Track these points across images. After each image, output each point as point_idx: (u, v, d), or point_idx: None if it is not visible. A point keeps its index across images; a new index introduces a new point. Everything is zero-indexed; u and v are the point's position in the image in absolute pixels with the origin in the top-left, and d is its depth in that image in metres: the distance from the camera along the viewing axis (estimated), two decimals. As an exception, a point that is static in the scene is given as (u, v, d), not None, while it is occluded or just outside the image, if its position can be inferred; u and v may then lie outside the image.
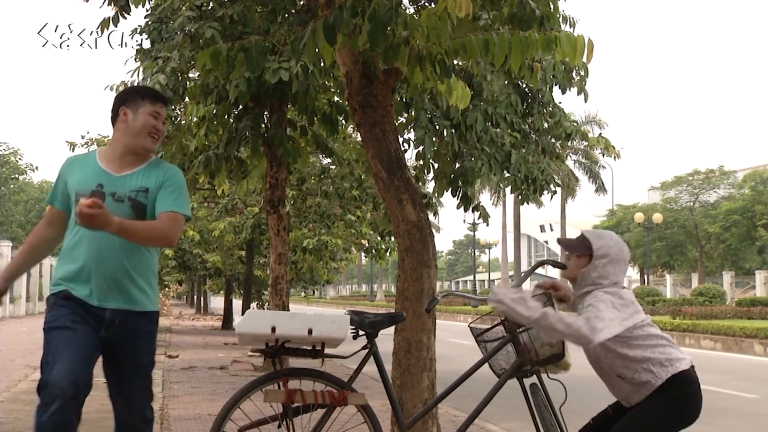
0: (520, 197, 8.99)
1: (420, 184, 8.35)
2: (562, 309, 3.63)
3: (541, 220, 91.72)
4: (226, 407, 3.65)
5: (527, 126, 8.55)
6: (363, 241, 17.35)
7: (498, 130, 7.83)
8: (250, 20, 7.32)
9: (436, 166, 7.94)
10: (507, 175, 8.21)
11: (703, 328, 19.66)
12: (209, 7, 7.55)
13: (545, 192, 8.71)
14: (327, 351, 3.76)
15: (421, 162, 7.96)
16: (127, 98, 3.47)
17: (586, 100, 8.08)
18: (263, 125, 9.55)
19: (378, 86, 5.21)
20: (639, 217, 39.69)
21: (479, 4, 4.88)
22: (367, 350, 3.88)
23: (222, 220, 17.61)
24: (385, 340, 4.27)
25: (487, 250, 69.01)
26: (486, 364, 3.99)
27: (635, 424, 3.34)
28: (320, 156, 13.84)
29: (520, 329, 3.91)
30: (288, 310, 9.80)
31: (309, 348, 3.75)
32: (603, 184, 44.71)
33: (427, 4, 5.53)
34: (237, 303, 28.13)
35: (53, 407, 3.02)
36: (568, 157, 41.70)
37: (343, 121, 9.72)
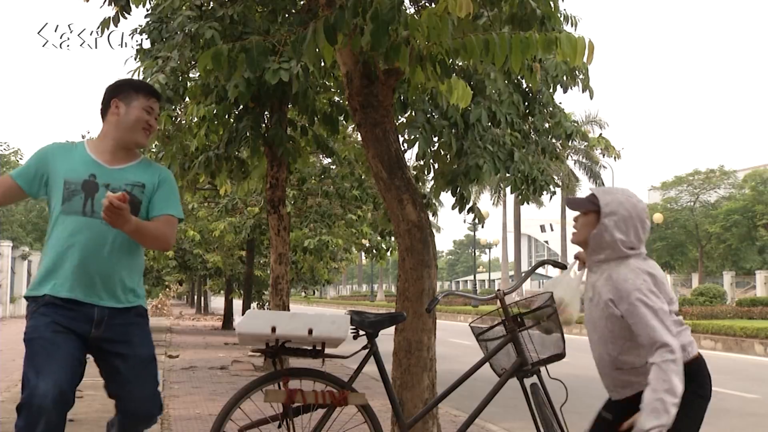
0: (520, 197, 8.97)
1: (420, 184, 8.34)
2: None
3: (542, 220, 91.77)
4: (227, 407, 3.64)
5: (527, 126, 8.54)
6: (364, 240, 17.35)
7: (499, 129, 7.82)
8: (251, 20, 7.31)
9: (436, 166, 7.93)
10: (507, 174, 8.20)
11: (703, 328, 19.66)
12: (209, 7, 7.55)
13: (545, 192, 8.70)
14: (327, 351, 3.76)
15: (422, 162, 7.96)
16: (120, 90, 3.37)
17: (591, 98, 8.02)
18: (263, 125, 9.54)
19: (378, 86, 5.21)
20: (639, 217, 39.58)
21: (479, 4, 4.88)
22: (367, 350, 3.88)
23: (222, 220, 17.61)
24: (386, 340, 4.27)
25: (487, 250, 68.97)
26: (486, 364, 3.99)
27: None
28: (321, 156, 13.84)
29: (521, 329, 3.91)
30: (288, 310, 9.80)
31: (309, 348, 3.75)
32: (603, 184, 44.69)
33: (427, 4, 5.52)
34: (237, 303, 28.12)
35: (39, 428, 2.88)
36: (569, 158, 41.72)
37: (344, 121, 9.72)
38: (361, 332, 3.84)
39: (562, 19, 6.66)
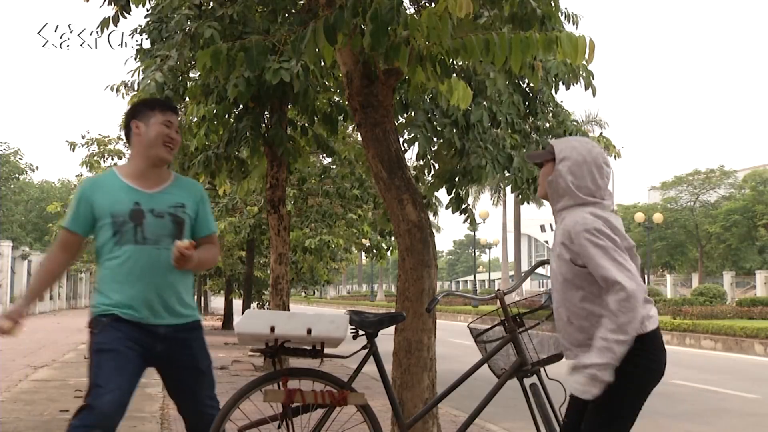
0: (520, 197, 8.95)
1: (420, 184, 8.32)
2: None
3: (541, 220, 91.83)
4: (226, 407, 3.64)
5: (528, 126, 8.53)
6: (364, 240, 17.35)
7: (499, 131, 7.82)
8: (250, 20, 7.31)
9: (437, 166, 7.92)
10: (507, 174, 8.20)
11: (703, 328, 19.66)
12: (209, 7, 7.55)
13: (545, 192, 8.66)
14: (327, 351, 3.75)
15: (422, 162, 7.95)
16: (137, 112, 3.51)
17: (594, 95, 7.99)
18: (263, 125, 9.55)
19: (379, 86, 5.21)
20: (639, 217, 39.70)
21: (479, 4, 4.88)
22: (367, 350, 3.88)
23: (222, 220, 17.61)
24: (385, 340, 4.26)
25: (487, 250, 69.07)
26: (486, 365, 3.99)
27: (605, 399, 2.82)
28: (321, 156, 13.84)
29: (520, 329, 3.91)
30: (288, 310, 9.80)
31: (309, 348, 3.75)
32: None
33: (427, 4, 5.52)
34: (237, 303, 28.13)
35: None
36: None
37: (344, 121, 9.71)
38: (361, 332, 3.84)
39: (563, 17, 6.66)
